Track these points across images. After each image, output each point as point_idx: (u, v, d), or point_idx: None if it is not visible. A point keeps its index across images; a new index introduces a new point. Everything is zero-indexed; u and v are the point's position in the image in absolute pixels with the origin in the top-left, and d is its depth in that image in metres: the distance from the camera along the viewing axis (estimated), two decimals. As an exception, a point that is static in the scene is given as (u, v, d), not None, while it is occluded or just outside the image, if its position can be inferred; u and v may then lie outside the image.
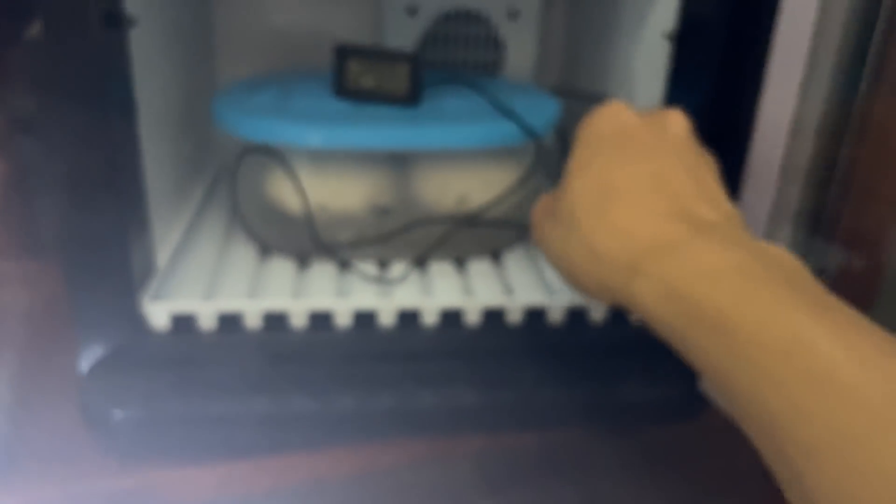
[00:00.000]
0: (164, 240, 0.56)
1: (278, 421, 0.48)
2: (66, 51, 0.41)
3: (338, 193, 0.56)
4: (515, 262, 0.60)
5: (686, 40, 0.51)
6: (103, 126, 0.44)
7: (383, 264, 0.58)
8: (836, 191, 0.44)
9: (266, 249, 0.59)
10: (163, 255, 0.55)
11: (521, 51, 0.76)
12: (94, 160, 0.44)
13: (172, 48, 0.59)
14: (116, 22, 0.45)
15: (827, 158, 0.44)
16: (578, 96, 0.69)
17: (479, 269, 0.58)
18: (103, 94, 0.43)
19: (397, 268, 0.57)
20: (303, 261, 0.58)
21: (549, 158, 0.59)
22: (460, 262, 0.59)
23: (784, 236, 0.45)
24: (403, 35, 0.73)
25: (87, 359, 0.48)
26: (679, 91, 0.52)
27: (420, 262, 0.58)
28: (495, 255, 0.61)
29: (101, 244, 0.46)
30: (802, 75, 0.41)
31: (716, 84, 0.48)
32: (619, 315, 0.54)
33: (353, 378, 0.50)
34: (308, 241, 0.56)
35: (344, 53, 0.56)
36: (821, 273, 0.45)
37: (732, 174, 0.46)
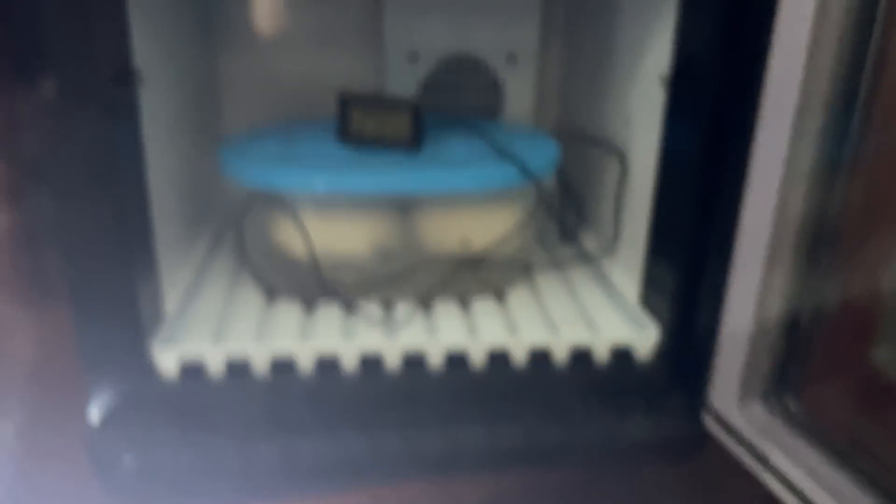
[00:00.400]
0: (173, 286, 0.57)
1: (287, 466, 0.48)
2: (78, 106, 0.43)
3: (342, 237, 0.57)
4: (519, 300, 0.60)
5: (681, 83, 0.52)
6: (112, 176, 0.45)
7: (388, 306, 0.59)
8: (831, 229, 0.45)
9: (272, 293, 0.60)
10: (171, 301, 0.55)
11: (519, 94, 0.78)
12: (103, 209, 0.45)
13: (180, 100, 0.61)
14: (126, 79, 0.46)
15: (820, 199, 0.44)
16: (578, 139, 0.70)
17: (484, 308, 0.59)
18: (113, 145, 0.45)
19: (402, 309, 0.58)
20: (309, 304, 0.58)
21: (550, 200, 0.60)
22: (464, 302, 0.60)
23: (782, 275, 0.46)
24: (405, 81, 0.75)
25: (97, 406, 0.48)
26: (676, 133, 0.53)
27: (425, 302, 0.59)
28: (499, 295, 0.61)
29: (110, 292, 0.47)
30: (793, 118, 0.42)
31: (711, 126, 0.49)
32: (622, 354, 0.55)
33: (361, 421, 0.50)
34: (314, 285, 0.57)
35: (347, 101, 0.58)
36: (819, 311, 0.46)
37: (729, 214, 0.47)
